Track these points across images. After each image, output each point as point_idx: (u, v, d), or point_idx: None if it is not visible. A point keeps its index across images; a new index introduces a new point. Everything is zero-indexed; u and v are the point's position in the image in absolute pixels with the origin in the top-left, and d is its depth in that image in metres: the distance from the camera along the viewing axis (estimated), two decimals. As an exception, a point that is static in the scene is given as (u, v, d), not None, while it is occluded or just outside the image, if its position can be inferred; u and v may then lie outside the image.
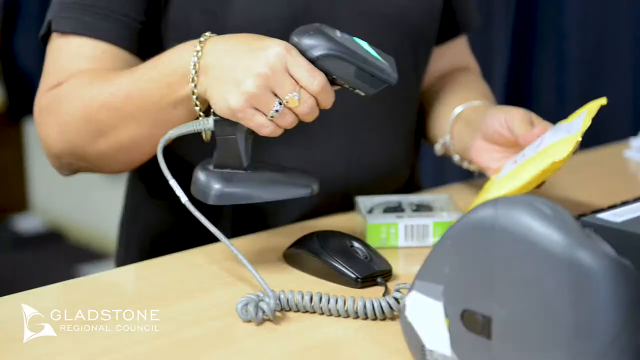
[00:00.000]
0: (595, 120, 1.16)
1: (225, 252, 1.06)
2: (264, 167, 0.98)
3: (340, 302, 0.89)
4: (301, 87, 0.94)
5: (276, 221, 1.19)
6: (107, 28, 1.12)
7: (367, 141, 1.22)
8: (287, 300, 0.89)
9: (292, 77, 0.94)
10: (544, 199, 0.73)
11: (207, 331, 0.88)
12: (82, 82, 1.10)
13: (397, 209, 1.14)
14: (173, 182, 0.94)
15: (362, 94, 0.96)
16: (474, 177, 1.32)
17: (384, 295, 0.94)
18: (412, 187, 1.34)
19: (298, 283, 0.97)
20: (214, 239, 0.99)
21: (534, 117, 1.15)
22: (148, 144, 1.08)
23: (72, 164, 1.14)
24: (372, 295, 0.94)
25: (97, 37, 1.12)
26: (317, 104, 0.96)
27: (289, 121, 0.96)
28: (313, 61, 0.92)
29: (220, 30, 1.12)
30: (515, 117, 1.14)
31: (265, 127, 0.95)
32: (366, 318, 0.89)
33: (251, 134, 0.96)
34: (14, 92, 3.43)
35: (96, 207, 3.38)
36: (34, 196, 3.72)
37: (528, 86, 2.11)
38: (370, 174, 1.23)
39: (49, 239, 3.51)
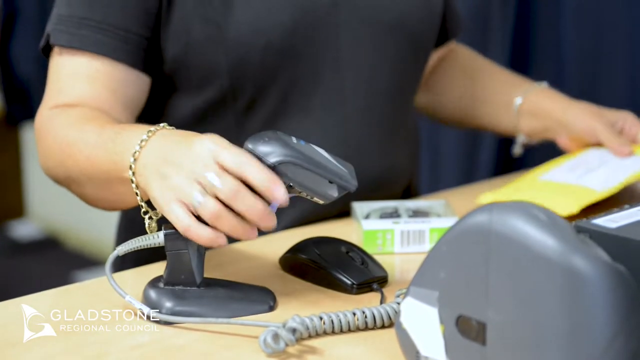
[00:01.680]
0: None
1: (223, 257, 1.06)
2: (217, 283, 0.94)
3: (351, 318, 0.88)
4: (225, 170, 0.88)
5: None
6: (102, 41, 1.12)
7: (365, 150, 1.22)
8: (308, 327, 0.86)
9: (218, 164, 0.89)
10: (539, 205, 0.73)
11: (206, 336, 0.88)
12: (66, 123, 1.09)
13: (393, 214, 1.14)
14: (129, 298, 0.90)
15: (321, 201, 0.91)
16: (468, 183, 1.33)
17: (381, 301, 0.94)
18: (409, 196, 1.34)
19: (294, 289, 0.97)
20: None
21: (627, 123, 1.30)
22: (109, 201, 1.08)
23: (57, 180, 1.16)
24: (368, 301, 0.94)
25: (92, 50, 1.12)
26: (261, 193, 0.89)
27: (210, 209, 0.87)
28: (269, 168, 0.88)
29: (222, 40, 1.13)
30: (603, 132, 1.28)
31: (181, 220, 0.88)
32: (366, 327, 0.89)
33: (204, 248, 0.92)
34: (12, 98, 3.43)
35: (93, 214, 3.37)
36: (31, 202, 3.72)
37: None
38: (368, 183, 1.23)
39: (45, 245, 3.50)
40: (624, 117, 1.31)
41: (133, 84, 1.14)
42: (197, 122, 1.19)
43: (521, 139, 1.36)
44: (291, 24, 1.15)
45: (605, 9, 1.95)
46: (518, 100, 1.34)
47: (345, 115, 1.20)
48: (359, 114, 1.21)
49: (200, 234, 0.89)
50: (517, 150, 1.37)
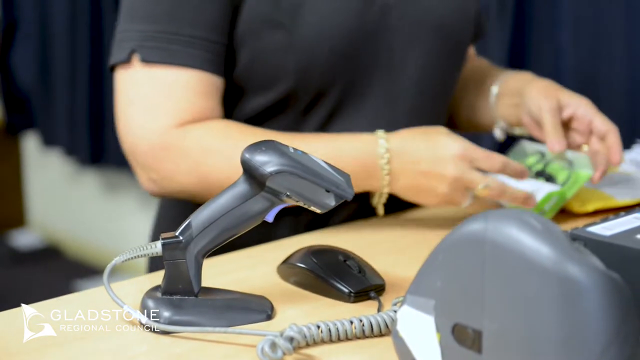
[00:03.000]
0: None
1: (221, 266, 1.06)
2: (215, 292, 0.94)
3: (349, 327, 0.88)
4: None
5: (271, 234, 1.19)
6: (194, 55, 1.15)
7: None
8: (305, 336, 0.86)
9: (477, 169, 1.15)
10: (534, 213, 0.74)
11: (204, 345, 0.88)
12: (227, 143, 1.14)
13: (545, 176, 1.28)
14: (127, 307, 0.90)
15: (318, 211, 0.92)
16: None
17: (378, 310, 0.95)
18: None
19: (292, 298, 0.98)
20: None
21: (580, 110, 1.28)
22: None
23: (184, 197, 1.19)
24: (366, 309, 0.94)
25: (187, 65, 1.15)
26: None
27: (474, 208, 1.20)
28: (266, 177, 0.88)
29: (290, 44, 1.16)
30: (546, 117, 1.26)
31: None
32: (363, 335, 0.89)
33: (202, 257, 0.92)
34: (12, 108, 3.44)
35: (93, 223, 3.39)
36: (31, 212, 3.72)
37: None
38: None
39: (46, 254, 3.51)
40: (577, 104, 1.28)
41: (221, 90, 1.19)
42: (258, 122, 1.21)
43: (500, 125, 1.35)
44: (352, 27, 1.19)
45: (603, 16, 1.96)
46: (494, 88, 1.35)
47: (396, 116, 1.23)
48: (408, 115, 1.24)
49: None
50: (498, 134, 1.36)
